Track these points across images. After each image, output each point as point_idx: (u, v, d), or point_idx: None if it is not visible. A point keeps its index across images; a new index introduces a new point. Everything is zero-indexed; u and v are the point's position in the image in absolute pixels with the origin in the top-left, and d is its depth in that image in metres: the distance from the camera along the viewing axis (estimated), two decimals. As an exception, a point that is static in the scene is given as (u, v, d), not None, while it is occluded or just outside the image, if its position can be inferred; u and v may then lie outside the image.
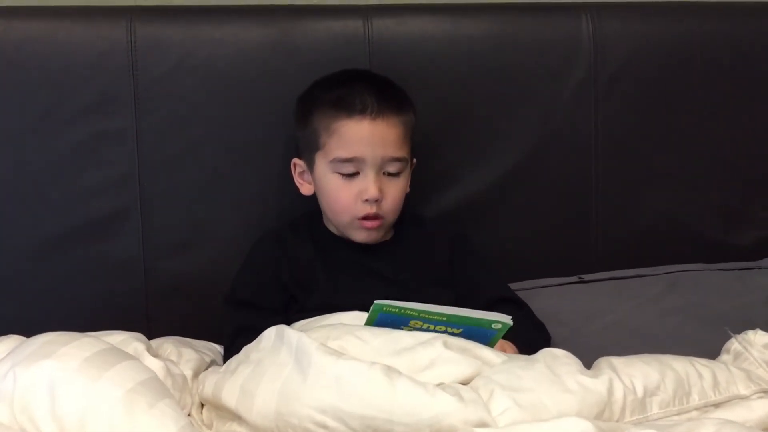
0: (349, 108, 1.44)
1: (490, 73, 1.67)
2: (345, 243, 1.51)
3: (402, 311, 1.25)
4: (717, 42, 1.73)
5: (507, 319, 1.26)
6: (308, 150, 1.49)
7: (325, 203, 1.50)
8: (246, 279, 1.51)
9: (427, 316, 1.25)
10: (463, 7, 1.70)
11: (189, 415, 1.24)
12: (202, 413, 1.28)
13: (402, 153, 1.46)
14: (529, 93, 1.68)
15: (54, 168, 1.56)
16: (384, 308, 1.25)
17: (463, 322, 1.26)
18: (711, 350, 1.38)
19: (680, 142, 1.73)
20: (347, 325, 1.28)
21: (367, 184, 1.44)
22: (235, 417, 1.21)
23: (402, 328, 1.27)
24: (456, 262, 1.54)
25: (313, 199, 1.54)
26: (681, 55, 1.71)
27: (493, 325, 1.26)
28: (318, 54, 1.60)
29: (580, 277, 1.69)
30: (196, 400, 1.28)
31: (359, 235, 1.49)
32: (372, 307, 1.25)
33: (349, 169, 1.44)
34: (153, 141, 1.58)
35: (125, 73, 1.56)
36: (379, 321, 1.27)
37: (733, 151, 1.75)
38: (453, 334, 1.27)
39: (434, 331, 1.27)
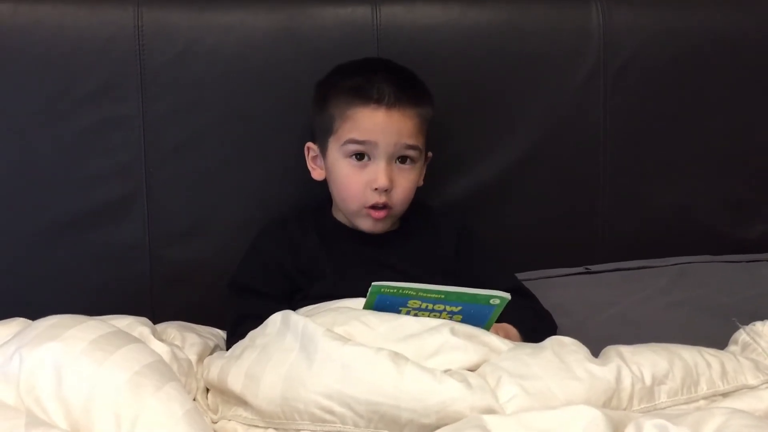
0: (365, 96, 1.43)
1: (498, 62, 1.66)
2: (351, 232, 1.51)
3: (400, 291, 1.25)
4: (727, 33, 1.72)
5: (504, 295, 1.26)
6: (322, 134, 1.49)
7: (335, 189, 1.49)
8: (250, 266, 1.51)
9: (425, 294, 1.25)
10: (472, -5, 1.69)
11: (194, 399, 1.24)
12: (207, 398, 1.27)
13: (417, 142, 1.45)
14: (538, 82, 1.67)
15: (60, 154, 1.56)
16: (382, 289, 1.24)
17: (461, 300, 1.25)
18: (718, 342, 1.38)
19: (689, 133, 1.73)
20: (353, 310, 1.27)
21: (378, 172, 1.43)
22: (241, 402, 1.20)
23: (400, 310, 1.27)
24: (462, 253, 1.54)
25: (319, 187, 1.53)
26: (691, 45, 1.70)
27: (491, 301, 1.26)
28: (325, 41, 1.59)
29: (586, 268, 1.69)
30: (201, 384, 1.28)
31: (365, 224, 1.48)
32: (370, 288, 1.25)
33: (360, 150, 1.43)
34: (159, 128, 1.58)
35: (132, 60, 1.55)
36: (378, 302, 1.27)
37: (742, 143, 1.74)
38: (452, 313, 1.27)
39: (433, 310, 1.27)
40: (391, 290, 1.25)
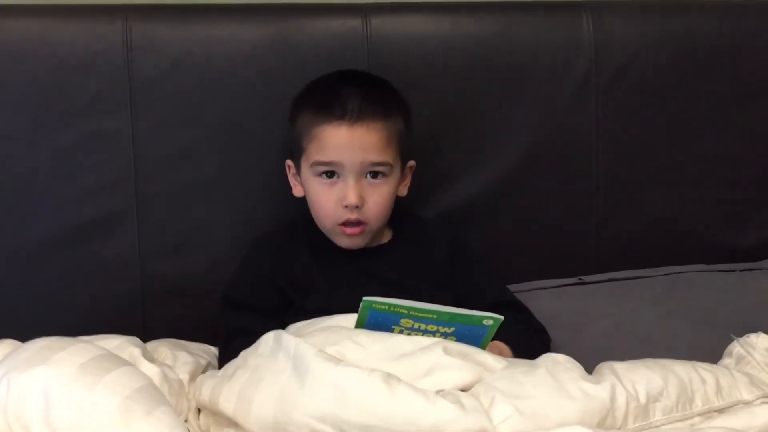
0: (327, 113, 1.41)
1: (489, 72, 1.65)
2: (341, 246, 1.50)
3: (392, 308, 1.24)
4: (718, 41, 1.71)
5: (497, 316, 1.25)
6: (296, 152, 1.48)
7: (310, 207, 1.49)
8: (242, 280, 1.50)
9: (416, 314, 1.24)
10: (463, 6, 1.68)
11: (186, 420, 1.23)
12: (199, 418, 1.26)
13: (384, 158, 1.43)
14: (529, 92, 1.66)
15: (48, 169, 1.55)
16: (373, 305, 1.23)
17: (453, 321, 1.24)
18: (712, 353, 1.38)
19: (681, 142, 1.72)
20: (345, 330, 1.26)
21: (347, 190, 1.41)
22: (233, 423, 1.20)
23: (393, 328, 1.26)
24: (455, 265, 1.53)
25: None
26: (682, 53, 1.70)
27: (484, 322, 1.25)
28: (316, 53, 1.59)
29: (580, 279, 1.68)
30: (193, 405, 1.27)
31: (342, 241, 1.47)
32: (361, 304, 1.24)
33: (329, 173, 1.42)
34: (149, 141, 1.57)
35: (121, 73, 1.54)
36: (370, 319, 1.26)
37: (734, 152, 1.74)
38: (445, 334, 1.26)
39: (426, 330, 1.26)
40: (383, 307, 1.24)
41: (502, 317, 1.25)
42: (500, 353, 1.33)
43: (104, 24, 1.55)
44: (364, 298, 1.23)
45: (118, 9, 1.57)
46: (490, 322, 1.25)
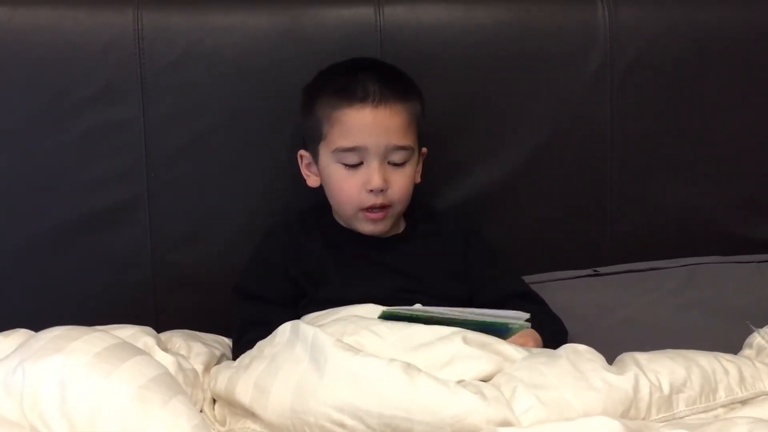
0: (350, 96, 1.41)
1: (503, 62, 1.64)
2: (355, 236, 1.49)
3: (410, 317, 1.23)
4: (735, 30, 1.69)
5: (523, 317, 1.24)
6: (312, 141, 1.47)
7: (330, 194, 1.48)
8: (254, 271, 1.49)
9: (438, 320, 1.23)
10: (476, -5, 1.67)
11: (201, 411, 1.22)
12: (214, 409, 1.25)
13: (406, 141, 1.43)
14: (544, 82, 1.65)
15: (60, 159, 1.54)
16: (392, 313, 1.23)
17: (477, 326, 1.24)
18: (730, 345, 1.37)
19: (697, 132, 1.70)
20: (362, 320, 1.25)
21: (371, 173, 1.41)
22: (249, 414, 1.19)
23: None
24: (469, 256, 1.52)
25: (322, 190, 1.51)
26: (699, 43, 1.68)
27: (510, 325, 1.25)
28: (328, 42, 1.57)
29: (595, 270, 1.67)
30: (208, 395, 1.26)
31: (365, 227, 1.46)
32: (378, 315, 1.23)
33: (352, 159, 1.41)
34: (160, 131, 1.56)
35: (132, 62, 1.54)
36: None
37: (751, 142, 1.72)
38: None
39: None
40: (401, 316, 1.23)
41: (527, 320, 1.24)
42: (534, 340, 1.32)
43: (115, 13, 1.55)
44: (382, 309, 1.23)
45: (129, -2, 1.56)
46: (516, 325, 1.25)
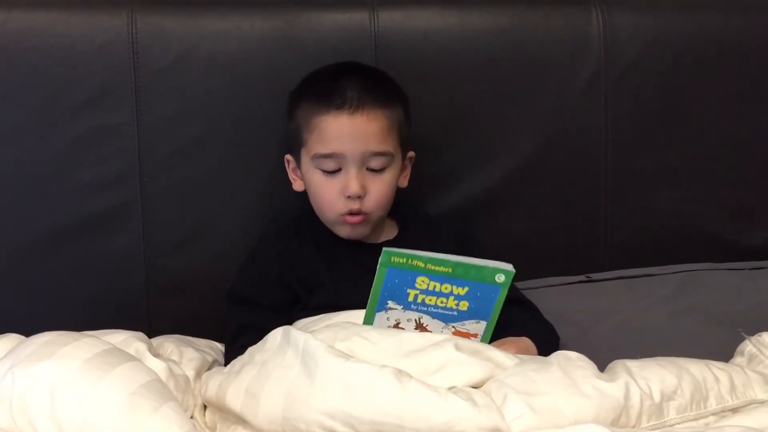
0: (327, 103, 1.41)
1: (497, 68, 1.64)
2: (347, 241, 1.49)
3: (409, 261, 1.25)
4: (729, 37, 1.70)
5: (508, 267, 1.26)
6: (295, 146, 1.47)
7: (311, 200, 1.48)
8: (248, 277, 1.49)
9: (433, 268, 1.25)
10: (471, 1, 1.67)
11: (192, 417, 1.22)
12: (205, 415, 1.25)
13: (385, 147, 1.42)
14: (538, 89, 1.65)
15: (53, 163, 1.54)
16: (392, 258, 1.24)
17: (468, 276, 1.25)
18: (722, 351, 1.37)
19: (691, 139, 1.71)
20: (354, 326, 1.25)
21: (349, 180, 1.41)
22: (240, 420, 1.19)
23: (408, 293, 1.26)
24: (462, 260, 1.52)
25: (314, 195, 1.51)
26: (693, 50, 1.68)
27: (497, 278, 1.26)
28: (323, 47, 1.57)
29: (588, 276, 1.67)
30: (199, 401, 1.26)
31: (343, 231, 1.46)
32: (381, 257, 1.24)
33: (330, 165, 1.41)
34: (154, 135, 1.56)
35: (126, 67, 1.53)
36: (388, 279, 1.27)
37: (745, 149, 1.73)
38: (459, 297, 1.26)
39: (440, 293, 1.27)
40: (401, 260, 1.24)
41: (513, 271, 1.26)
42: (526, 349, 1.32)
43: (109, 17, 1.54)
44: (384, 249, 1.24)
45: (123, 2, 1.56)
46: (502, 278, 1.26)
